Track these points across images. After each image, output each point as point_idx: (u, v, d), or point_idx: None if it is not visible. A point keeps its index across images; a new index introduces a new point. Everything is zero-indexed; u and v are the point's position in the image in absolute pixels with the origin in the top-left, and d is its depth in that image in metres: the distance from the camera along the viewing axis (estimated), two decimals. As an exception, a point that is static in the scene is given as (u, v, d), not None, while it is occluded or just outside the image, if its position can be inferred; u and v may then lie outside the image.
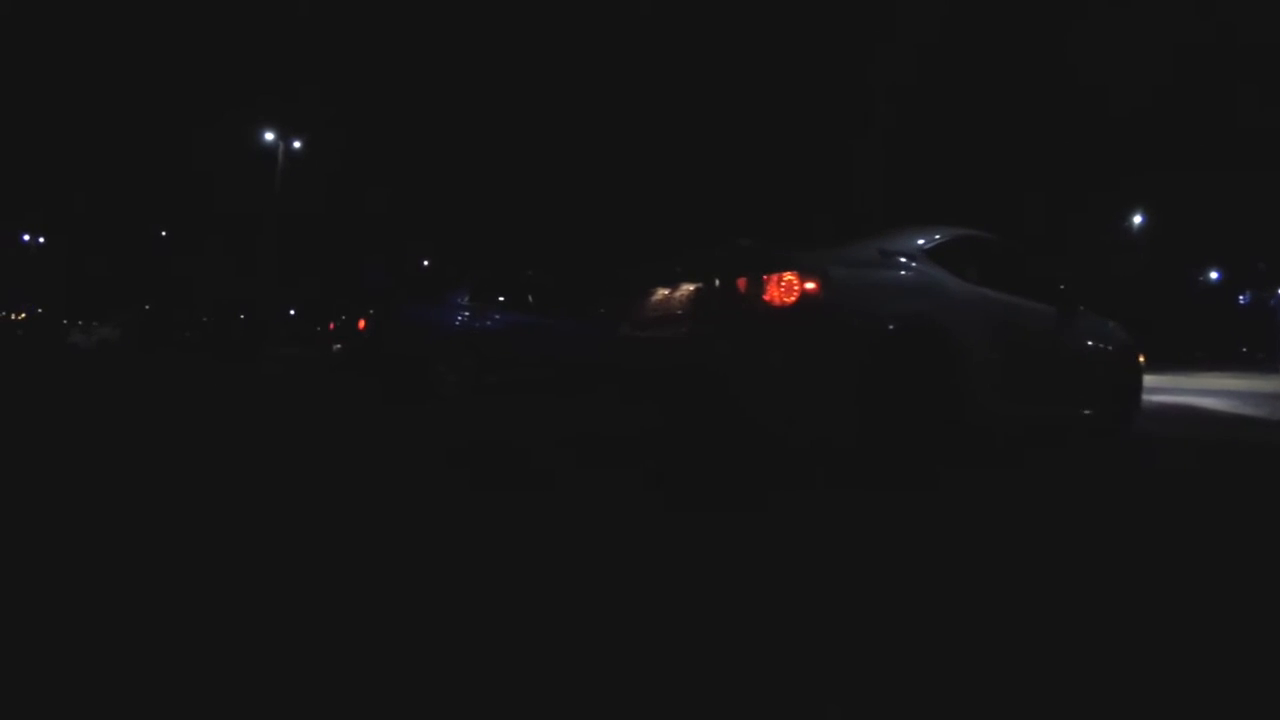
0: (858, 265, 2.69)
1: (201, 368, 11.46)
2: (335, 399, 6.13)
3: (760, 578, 1.55)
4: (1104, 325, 3.98)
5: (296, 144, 24.96)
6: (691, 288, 2.87)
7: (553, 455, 3.26)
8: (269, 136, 24.46)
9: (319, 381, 8.55)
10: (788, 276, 2.48)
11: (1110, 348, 3.94)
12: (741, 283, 2.60)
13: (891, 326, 2.59)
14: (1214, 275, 38.90)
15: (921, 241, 3.00)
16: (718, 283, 2.71)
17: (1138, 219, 29.67)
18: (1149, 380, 4.36)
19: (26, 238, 43.53)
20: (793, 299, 2.46)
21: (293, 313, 42.32)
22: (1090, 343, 3.79)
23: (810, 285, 2.46)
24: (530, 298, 6.88)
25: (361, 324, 6.53)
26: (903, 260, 2.85)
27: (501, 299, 6.70)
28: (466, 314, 6.34)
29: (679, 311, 2.91)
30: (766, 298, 2.51)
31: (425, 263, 35.64)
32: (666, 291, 3.04)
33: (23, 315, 45.72)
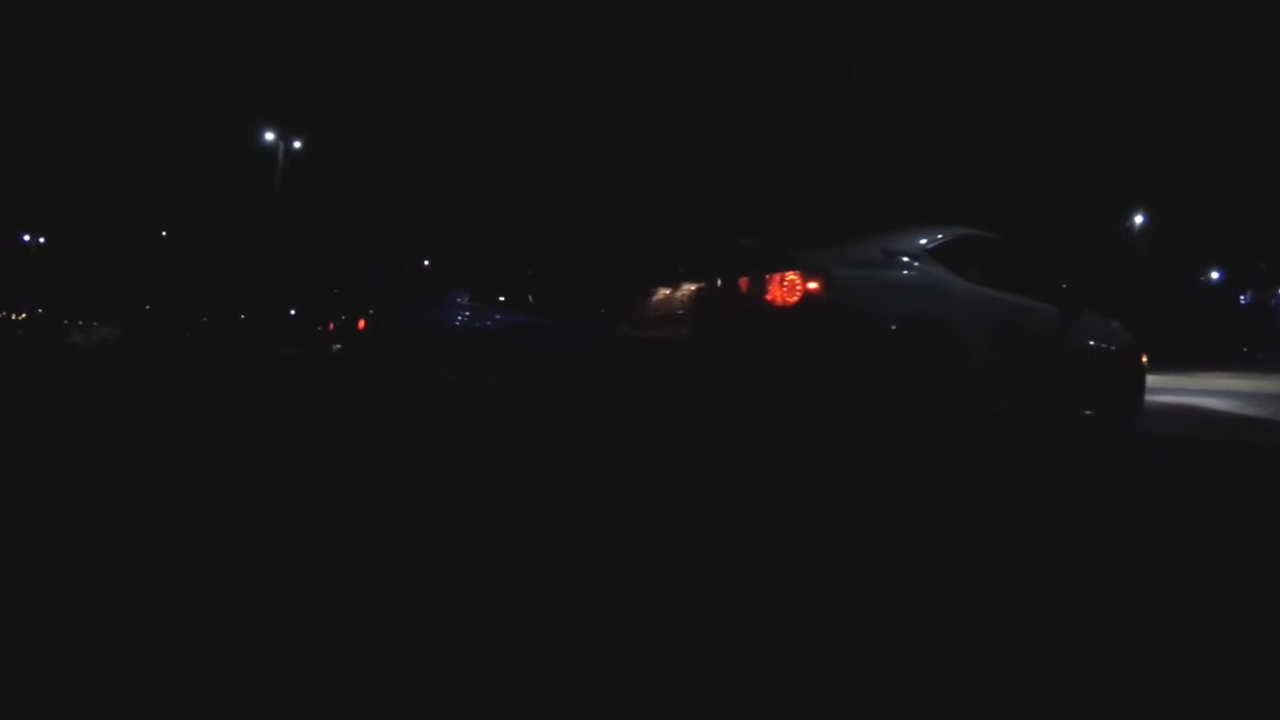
0: (861, 265, 2.67)
1: (201, 368, 11.45)
2: (335, 399, 6.13)
3: (762, 577, 1.55)
4: (1107, 325, 3.97)
5: (296, 144, 24.95)
6: (693, 287, 2.86)
7: (553, 455, 3.26)
8: (269, 136, 24.45)
9: (319, 381, 8.55)
10: (790, 276, 2.46)
11: (1113, 348, 3.92)
12: (743, 282, 2.58)
13: (894, 327, 2.58)
14: (1215, 275, 38.91)
15: (924, 241, 2.99)
16: (719, 282, 2.70)
17: (1138, 219, 29.66)
18: (1151, 380, 4.35)
19: (26, 238, 43.55)
20: (795, 299, 2.45)
21: (293, 313, 42.32)
22: (1093, 343, 3.77)
23: (813, 285, 2.44)
24: (530, 298, 6.87)
25: (361, 324, 6.52)
26: (905, 260, 2.84)
27: (501, 299, 6.69)
28: (466, 314, 6.33)
29: (680, 311, 2.89)
30: (769, 297, 2.49)
31: (425, 263, 35.64)
32: (667, 291, 3.02)
33: (23, 315, 45.73)
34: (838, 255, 2.67)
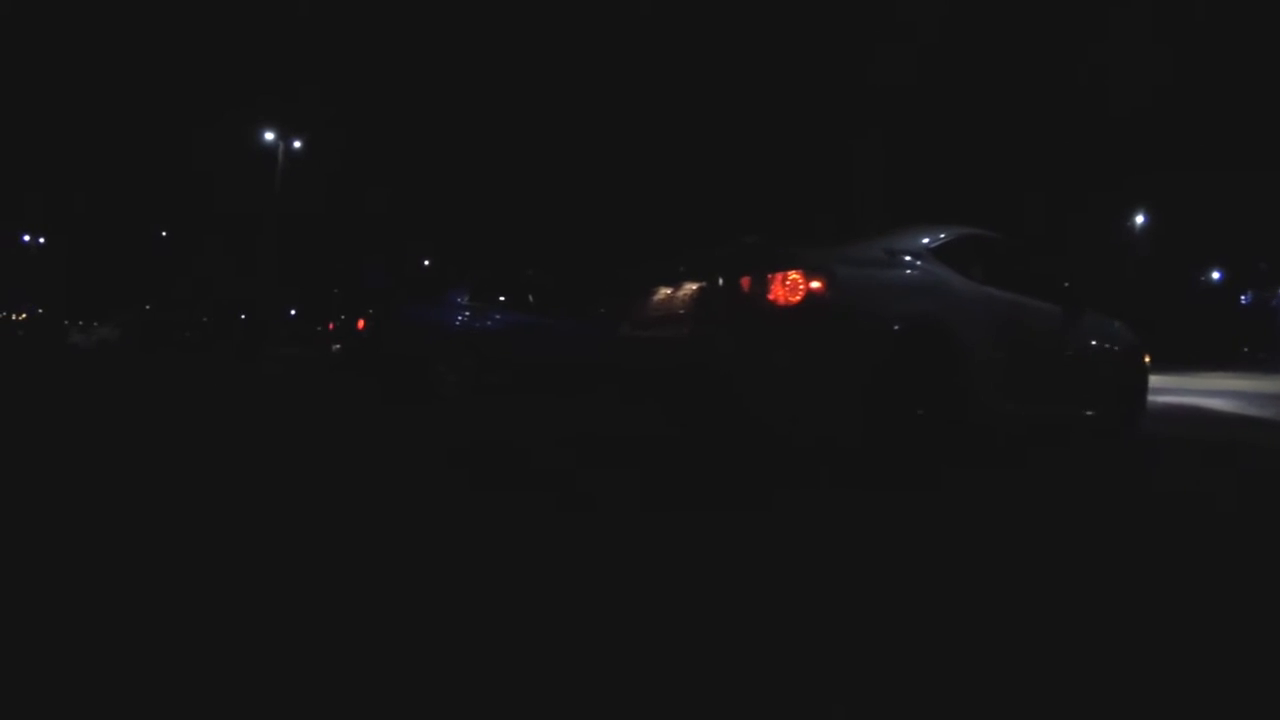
0: (863, 264, 2.66)
1: (201, 368, 11.45)
2: (335, 399, 6.12)
3: (765, 576, 1.54)
4: (1110, 325, 3.95)
5: (296, 144, 24.95)
6: (694, 287, 2.84)
7: (553, 455, 3.25)
8: (269, 136, 24.45)
9: (319, 382, 8.54)
10: (793, 275, 2.45)
11: (1116, 348, 3.91)
12: (746, 281, 2.57)
13: (897, 326, 2.56)
14: (1215, 275, 38.89)
15: (926, 240, 2.97)
16: (721, 281, 2.68)
17: (1139, 219, 29.64)
18: (1152, 381, 4.34)
19: (27, 238, 43.55)
20: (798, 298, 2.43)
21: (293, 313, 42.32)
22: (1096, 342, 3.76)
23: (816, 284, 2.43)
24: (530, 298, 6.86)
25: (361, 324, 6.51)
26: (908, 259, 2.82)
27: (501, 299, 6.68)
28: (466, 314, 6.32)
29: (681, 311, 2.88)
30: (771, 297, 2.48)
31: (425, 263, 35.63)
32: (669, 291, 3.01)
33: (23, 315, 45.73)
34: (840, 254, 2.65)
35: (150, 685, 1.01)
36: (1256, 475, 3.15)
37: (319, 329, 30.18)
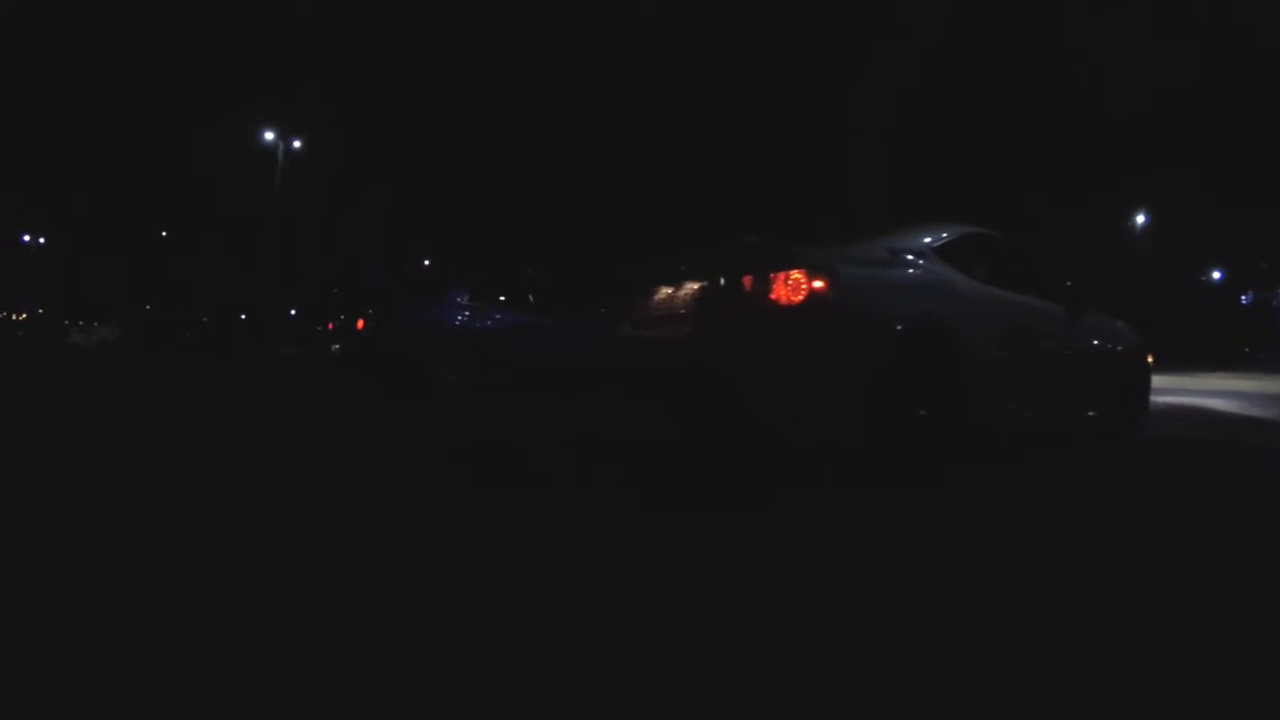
0: (866, 263, 2.64)
1: (201, 368, 11.44)
2: (335, 399, 6.11)
3: (767, 576, 1.54)
4: (1112, 325, 3.94)
5: (296, 144, 24.94)
6: (695, 286, 2.83)
7: (553, 455, 3.24)
8: (269, 136, 24.44)
9: (319, 382, 8.53)
10: (795, 274, 2.43)
11: (1119, 348, 3.89)
12: (748, 281, 2.55)
13: (900, 326, 2.55)
14: (1216, 275, 38.86)
15: (929, 239, 2.96)
16: (723, 281, 2.67)
17: (1140, 219, 29.62)
18: (1154, 381, 4.32)
19: (27, 238, 43.54)
20: (800, 297, 2.42)
21: (293, 313, 42.32)
22: (1098, 342, 3.74)
23: (818, 284, 2.41)
24: (530, 298, 6.84)
25: (360, 324, 6.49)
26: (910, 258, 2.80)
27: (501, 299, 6.66)
28: (466, 314, 6.30)
29: (683, 311, 2.86)
30: (773, 296, 2.46)
31: (425, 263, 35.62)
32: (670, 290, 2.99)
33: (23, 315, 45.72)
34: (843, 254, 2.64)
35: (150, 685, 1.00)
36: (1258, 476, 3.14)
37: (319, 329, 30.17)
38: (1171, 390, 8.67)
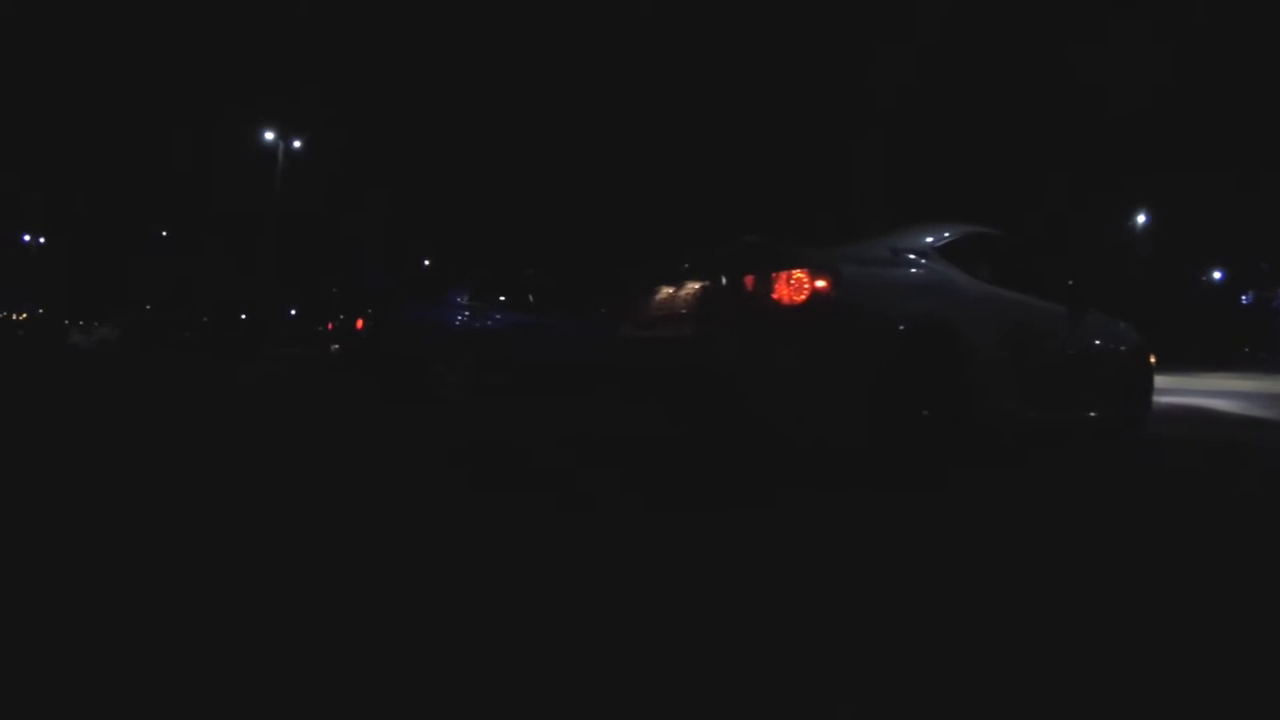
0: (868, 263, 2.63)
1: (201, 368, 11.43)
2: (335, 399, 6.10)
3: (769, 576, 1.53)
4: (1115, 325, 3.93)
5: (296, 144, 24.92)
6: (697, 286, 2.81)
7: (553, 455, 3.23)
8: (269, 136, 24.42)
9: (318, 382, 8.52)
10: (797, 274, 2.42)
11: (1121, 348, 3.88)
12: (749, 281, 2.54)
13: (902, 326, 2.53)
14: (1217, 275, 38.83)
15: (932, 239, 2.94)
16: (724, 281, 2.65)
17: (1140, 219, 29.60)
18: (1156, 381, 4.31)
19: (27, 238, 43.53)
20: (802, 297, 2.40)
21: (293, 313, 42.30)
22: (1101, 343, 3.73)
23: (821, 283, 2.40)
24: (530, 298, 6.83)
25: (360, 324, 6.48)
26: (913, 258, 2.79)
27: (501, 299, 6.65)
28: (466, 314, 6.29)
29: (684, 311, 2.85)
30: (775, 296, 2.45)
31: (425, 263, 35.61)
32: (670, 290, 2.98)
33: (23, 315, 45.71)
34: (845, 253, 2.62)
35: (150, 685, 0.99)
36: (1260, 477, 3.13)
37: (319, 329, 30.15)
38: (1173, 390, 8.66)
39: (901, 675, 1.07)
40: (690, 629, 1.22)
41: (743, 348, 2.50)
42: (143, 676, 1.02)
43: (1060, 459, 3.42)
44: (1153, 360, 4.15)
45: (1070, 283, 3.55)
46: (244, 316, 29.71)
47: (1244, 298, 39.19)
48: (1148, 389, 4.14)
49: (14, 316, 45.16)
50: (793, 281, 2.42)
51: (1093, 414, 3.60)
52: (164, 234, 42.80)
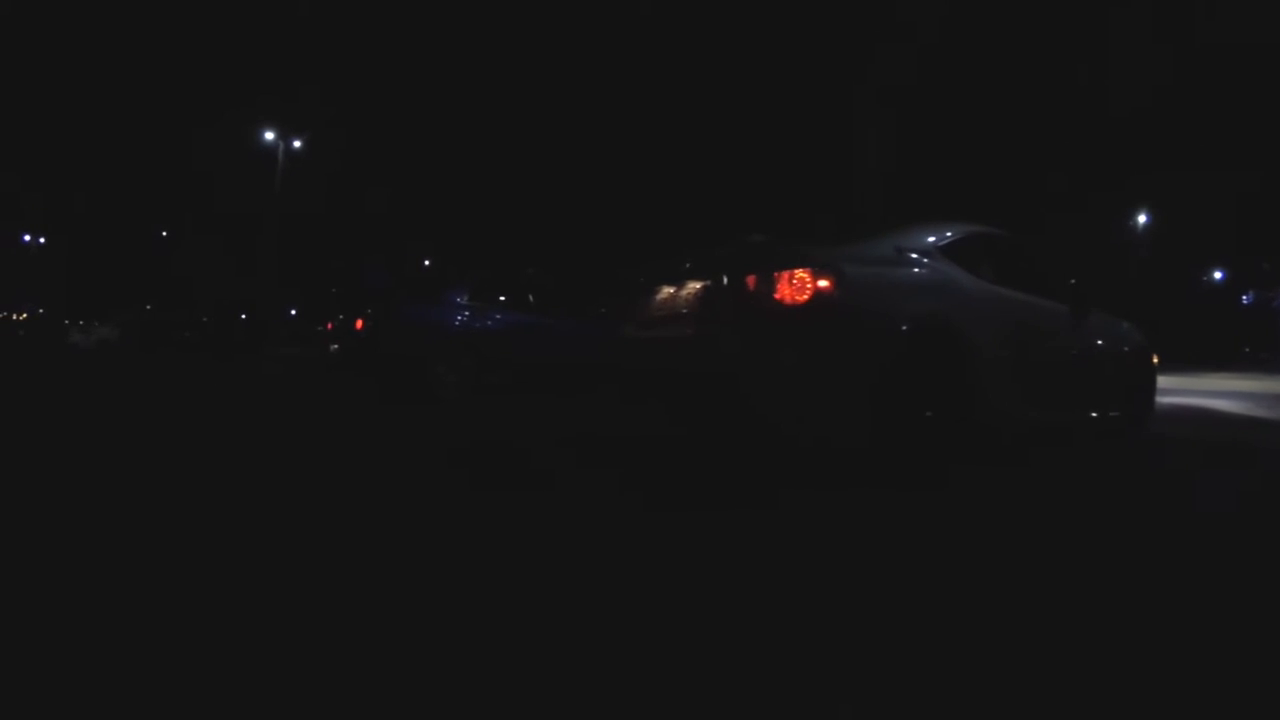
0: (872, 262, 2.61)
1: (201, 368, 11.43)
2: (335, 399, 6.09)
3: (771, 576, 1.52)
4: (1118, 325, 3.92)
5: (296, 144, 24.92)
6: (698, 286, 2.80)
7: (553, 455, 3.23)
8: (269, 136, 24.42)
9: (318, 382, 8.51)
10: (800, 274, 2.40)
11: (1125, 348, 3.87)
12: (752, 280, 2.52)
13: (905, 326, 2.52)
14: (1217, 275, 38.82)
15: (935, 239, 2.93)
16: (726, 280, 2.64)
17: (1141, 219, 29.59)
18: (1158, 382, 4.31)
19: (27, 238, 43.54)
20: (805, 297, 2.39)
21: (294, 313, 42.29)
22: (1104, 343, 3.71)
23: (824, 283, 2.38)
24: (530, 298, 6.82)
25: (359, 324, 6.46)
26: (916, 257, 2.77)
27: (502, 299, 6.64)
28: (466, 314, 6.27)
29: (685, 311, 2.83)
30: (778, 296, 2.43)
31: (426, 263, 35.60)
32: (672, 290, 2.96)
33: (23, 315, 45.71)
34: (848, 253, 2.61)
35: (150, 685, 0.99)
36: (1263, 477, 3.12)
37: (319, 329, 30.15)
38: (1175, 391, 8.65)
39: (903, 675, 1.07)
40: (692, 629, 1.21)
41: (745, 348, 2.49)
42: (142, 676, 1.01)
43: (1063, 459, 3.41)
44: (1155, 361, 4.14)
45: (1073, 283, 3.54)
46: (244, 316, 29.72)
47: (1244, 298, 39.18)
48: (1151, 389, 4.12)
49: (14, 316, 45.17)
50: (795, 281, 2.40)
51: (1095, 414, 3.58)
52: (164, 234, 42.81)
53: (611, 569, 1.56)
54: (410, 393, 5.91)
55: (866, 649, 1.15)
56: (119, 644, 1.12)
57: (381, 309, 6.33)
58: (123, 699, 0.96)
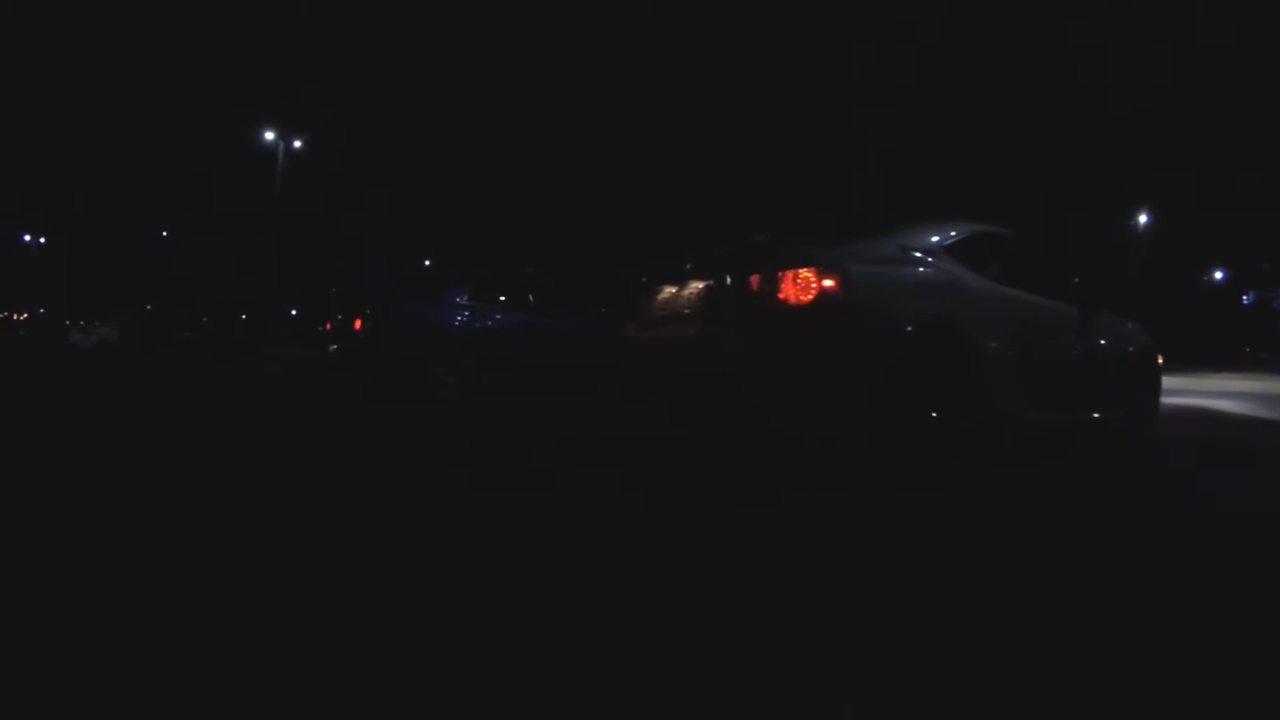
0: (876, 262, 2.59)
1: (201, 368, 11.42)
2: (335, 400, 6.08)
3: (772, 576, 1.51)
4: (1123, 326, 3.90)
5: (296, 144, 24.91)
6: (701, 285, 2.77)
7: (553, 455, 3.21)
8: (269, 136, 24.41)
9: (318, 382, 8.50)
10: (804, 273, 2.38)
11: (1130, 349, 3.85)
12: (755, 280, 2.50)
13: (910, 326, 2.50)
14: (1218, 275, 38.80)
15: (939, 238, 2.90)
16: (729, 280, 2.61)
17: (1141, 219, 29.58)
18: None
19: (27, 238, 43.54)
20: (810, 297, 2.36)
21: (294, 313, 42.26)
22: (1109, 343, 3.69)
23: (829, 283, 2.36)
24: (530, 298, 6.80)
25: (358, 324, 6.45)
26: (920, 256, 2.75)
27: (501, 299, 6.62)
28: (466, 314, 6.26)
29: (687, 310, 2.81)
30: (782, 295, 2.41)
31: (426, 263, 35.58)
32: (674, 290, 2.94)
33: (24, 315, 45.72)
34: (853, 252, 2.58)
35: (150, 685, 0.98)
36: (1266, 478, 3.10)
37: (320, 329, 30.14)
38: (1177, 391, 8.63)
39: (904, 676, 1.06)
40: (693, 629, 1.20)
41: (748, 348, 2.47)
42: (142, 676, 1.01)
43: (1068, 460, 3.39)
44: (1160, 361, 4.12)
45: (1079, 284, 3.52)
46: (244, 316, 29.71)
47: (1245, 298, 39.16)
48: (1155, 390, 4.10)
49: (14, 316, 45.17)
50: (799, 281, 2.38)
51: (1100, 415, 3.56)
52: (164, 234, 42.80)
53: (612, 569, 1.54)
54: (410, 393, 5.90)
55: (867, 649, 1.15)
56: (118, 644, 1.11)
57: (381, 309, 6.31)
58: (122, 699, 0.95)
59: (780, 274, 2.42)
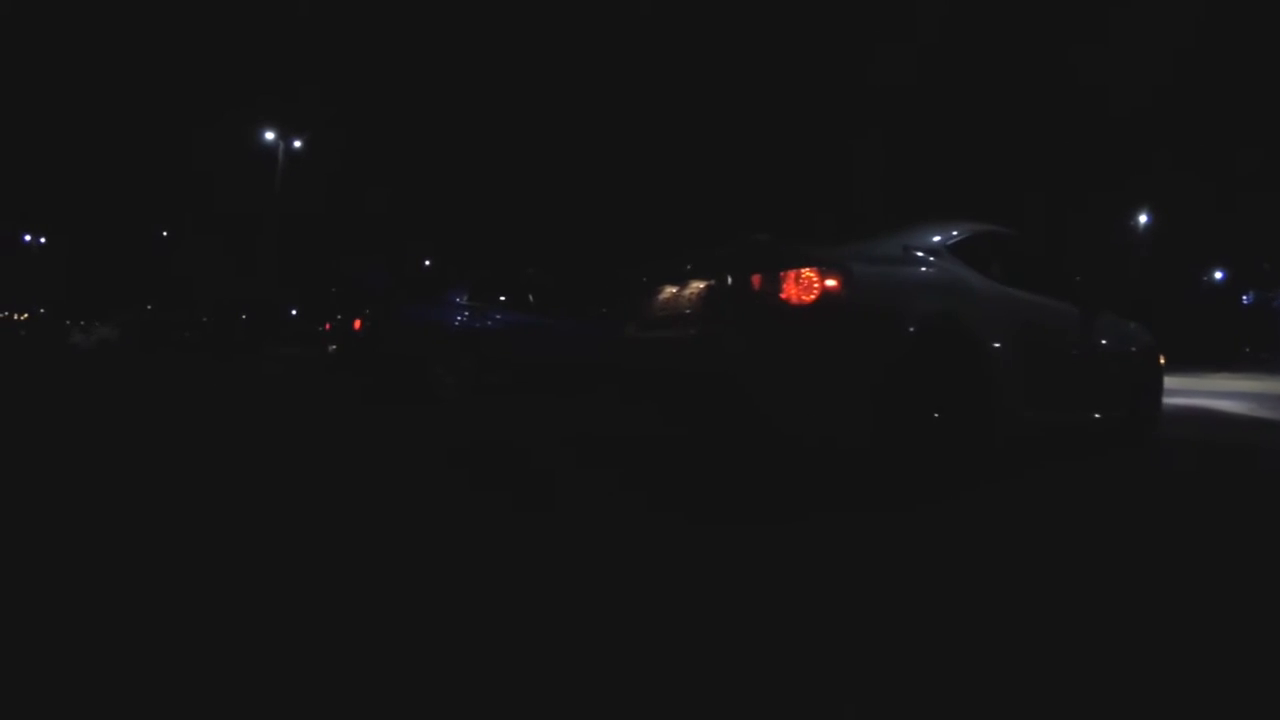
0: (879, 262, 2.58)
1: (201, 368, 11.41)
2: (335, 400, 6.07)
3: (773, 576, 1.51)
4: (1125, 326, 3.89)
5: (296, 144, 24.89)
6: (702, 285, 2.76)
7: (553, 455, 3.21)
8: (269, 136, 24.40)
9: (318, 382, 8.49)
10: (807, 273, 2.37)
11: (1133, 349, 3.85)
12: (757, 280, 2.49)
13: (914, 327, 2.48)
14: (1218, 275, 38.78)
15: (942, 237, 2.89)
16: (730, 280, 2.60)
17: (1142, 219, 29.58)
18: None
19: (27, 238, 43.53)
20: (812, 297, 2.35)
21: (295, 313, 42.25)
22: (1112, 344, 3.69)
23: (831, 282, 2.35)
24: (530, 298, 6.79)
25: (358, 324, 6.43)
26: (924, 256, 2.74)
27: (501, 299, 6.61)
28: (466, 314, 6.25)
29: (688, 311, 2.80)
30: (784, 295, 2.40)
31: (426, 263, 35.57)
32: (674, 290, 2.93)
33: (24, 315, 45.72)
34: (856, 251, 2.57)
35: (150, 685, 0.98)
36: (1268, 479, 3.10)
37: (320, 329, 30.11)
38: (1178, 391, 8.62)
39: (905, 677, 1.06)
40: (694, 628, 1.20)
41: (750, 348, 2.45)
42: (142, 676, 1.00)
43: (1070, 460, 3.38)
44: (1162, 361, 4.12)
45: (1082, 284, 3.51)
46: (244, 316, 29.66)
47: (1245, 298, 39.14)
48: (1158, 390, 4.10)
49: (15, 316, 45.16)
50: (802, 280, 2.37)
51: (1104, 415, 3.55)
52: (164, 234, 42.78)
53: (613, 569, 1.54)
54: (409, 393, 5.89)
55: (868, 649, 1.14)
56: (118, 644, 1.11)
57: (380, 309, 6.30)
58: (122, 698, 0.95)
59: (782, 274, 2.41)
